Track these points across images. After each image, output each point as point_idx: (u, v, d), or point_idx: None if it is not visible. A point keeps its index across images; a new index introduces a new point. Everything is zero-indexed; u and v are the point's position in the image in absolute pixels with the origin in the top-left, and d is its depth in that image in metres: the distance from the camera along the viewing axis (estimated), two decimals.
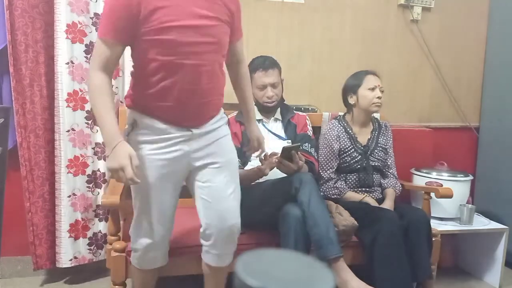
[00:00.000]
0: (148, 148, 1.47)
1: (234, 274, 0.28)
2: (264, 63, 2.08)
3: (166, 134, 1.47)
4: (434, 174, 2.42)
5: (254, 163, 2.11)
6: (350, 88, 2.21)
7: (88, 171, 2.21)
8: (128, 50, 1.48)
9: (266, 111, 2.17)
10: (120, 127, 2.20)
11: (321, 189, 2.10)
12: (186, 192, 2.40)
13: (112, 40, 1.37)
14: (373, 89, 2.13)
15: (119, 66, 2.19)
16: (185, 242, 1.78)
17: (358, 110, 2.20)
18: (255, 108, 2.20)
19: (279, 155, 1.87)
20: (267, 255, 0.31)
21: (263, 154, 1.86)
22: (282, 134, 2.16)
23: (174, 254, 1.73)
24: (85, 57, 2.14)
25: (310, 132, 2.21)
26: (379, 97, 2.13)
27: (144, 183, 1.44)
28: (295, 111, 2.26)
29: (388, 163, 2.27)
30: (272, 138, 2.15)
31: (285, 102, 2.24)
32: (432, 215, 2.19)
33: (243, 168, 2.10)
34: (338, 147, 2.17)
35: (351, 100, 2.20)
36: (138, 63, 1.46)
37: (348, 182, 2.17)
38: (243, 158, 2.12)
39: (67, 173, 2.14)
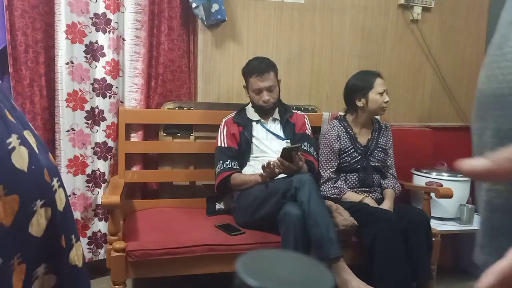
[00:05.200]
0: None
1: (234, 274, 0.28)
2: (260, 66, 2.05)
3: None
4: (434, 174, 2.42)
5: (252, 163, 2.11)
6: (359, 91, 2.15)
7: (88, 170, 2.21)
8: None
9: (264, 112, 2.17)
10: (120, 127, 2.21)
11: (320, 189, 2.10)
12: (186, 192, 2.42)
13: None
14: (382, 93, 2.13)
15: (119, 66, 2.20)
16: (185, 242, 1.78)
17: (364, 113, 2.17)
18: (252, 109, 2.20)
19: (279, 155, 1.87)
20: (267, 255, 0.31)
21: (265, 163, 1.88)
22: (281, 133, 2.16)
23: (174, 254, 1.74)
24: (84, 57, 2.14)
25: (309, 131, 2.21)
26: (386, 101, 2.14)
27: None
28: (293, 110, 2.26)
29: (388, 163, 2.27)
30: (271, 138, 2.15)
31: (283, 102, 2.24)
32: (432, 215, 2.18)
33: (240, 171, 2.10)
34: (338, 147, 2.17)
35: (360, 103, 2.15)
36: None
37: (348, 182, 2.17)
38: (241, 160, 2.12)
39: (67, 172, 2.14)
